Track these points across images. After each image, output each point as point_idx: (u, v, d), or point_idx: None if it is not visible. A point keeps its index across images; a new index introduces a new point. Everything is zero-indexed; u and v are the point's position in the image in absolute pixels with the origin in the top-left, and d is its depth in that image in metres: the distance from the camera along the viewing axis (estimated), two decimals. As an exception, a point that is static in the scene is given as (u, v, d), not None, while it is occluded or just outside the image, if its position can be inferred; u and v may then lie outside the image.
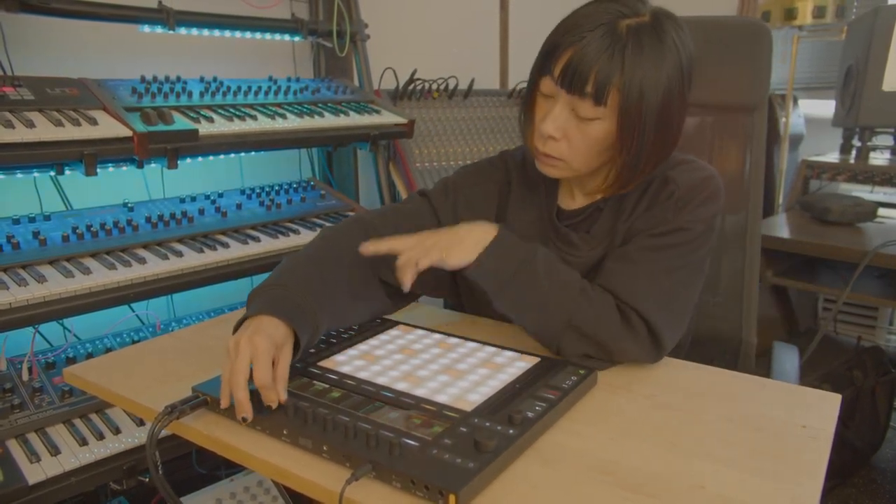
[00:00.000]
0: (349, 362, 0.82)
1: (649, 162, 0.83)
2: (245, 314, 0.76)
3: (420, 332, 0.92)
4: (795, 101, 2.48)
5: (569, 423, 0.70)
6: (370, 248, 0.83)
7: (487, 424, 0.66)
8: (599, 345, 0.80)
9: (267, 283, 0.81)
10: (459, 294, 1.03)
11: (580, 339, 0.80)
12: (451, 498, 0.56)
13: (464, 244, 0.80)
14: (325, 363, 0.82)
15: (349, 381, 0.76)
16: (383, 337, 0.91)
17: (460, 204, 0.97)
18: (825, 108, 2.61)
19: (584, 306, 0.80)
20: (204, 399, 0.73)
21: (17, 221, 1.29)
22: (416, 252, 0.79)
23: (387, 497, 0.58)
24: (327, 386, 0.75)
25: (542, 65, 0.82)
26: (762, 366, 1.13)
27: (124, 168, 1.33)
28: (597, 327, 0.80)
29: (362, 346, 0.87)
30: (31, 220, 1.31)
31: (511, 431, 0.65)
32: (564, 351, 0.81)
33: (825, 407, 0.74)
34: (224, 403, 0.71)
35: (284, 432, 0.67)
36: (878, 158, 2.15)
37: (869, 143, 2.15)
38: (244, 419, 0.69)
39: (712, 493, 0.58)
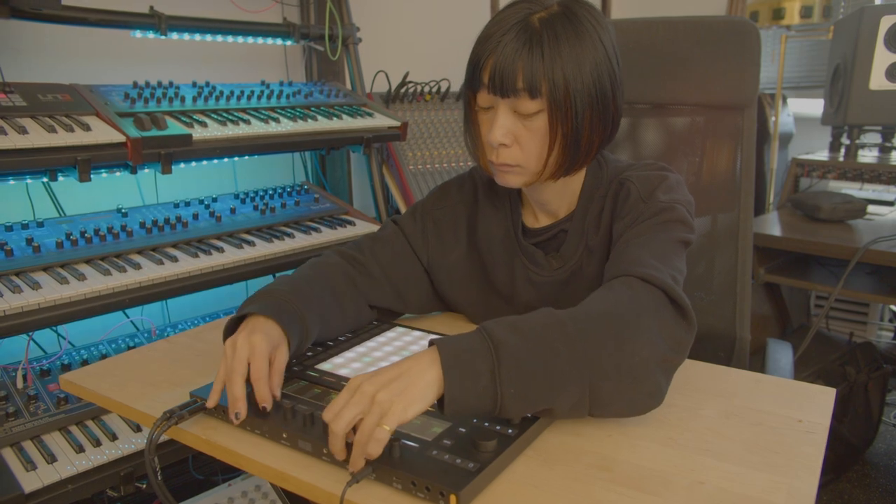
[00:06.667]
0: (347, 365, 0.82)
1: (591, 142, 0.83)
2: (236, 314, 0.78)
3: (417, 333, 0.93)
4: (784, 100, 2.50)
5: (567, 423, 0.70)
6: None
7: (486, 424, 0.66)
8: (622, 337, 0.66)
9: (258, 293, 0.83)
10: (450, 309, 1.04)
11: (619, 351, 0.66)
12: (453, 498, 0.56)
13: (410, 391, 0.60)
14: (322, 366, 0.82)
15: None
16: (380, 339, 0.91)
17: (429, 228, 0.98)
18: (814, 106, 2.64)
19: (586, 320, 0.67)
20: (202, 404, 0.73)
21: (9, 228, 1.28)
22: (344, 419, 0.60)
23: (387, 498, 0.59)
24: (326, 389, 0.75)
25: (471, 81, 0.83)
26: (756, 363, 1.14)
27: (117, 174, 1.33)
28: (612, 319, 0.67)
29: (359, 349, 0.87)
30: (25, 226, 1.30)
31: (510, 431, 0.65)
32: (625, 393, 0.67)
33: (820, 401, 0.74)
34: (211, 402, 0.71)
35: (284, 436, 0.67)
36: (867, 156, 2.17)
37: (857, 141, 2.18)
38: (237, 416, 0.69)
39: (712, 488, 0.59)
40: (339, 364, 0.82)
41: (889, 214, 2.04)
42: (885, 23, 1.97)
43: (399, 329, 0.94)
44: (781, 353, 1.13)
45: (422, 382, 0.61)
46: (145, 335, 1.43)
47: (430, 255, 0.98)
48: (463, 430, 0.65)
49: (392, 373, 0.62)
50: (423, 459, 0.60)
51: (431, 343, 0.65)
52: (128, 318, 1.50)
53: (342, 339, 0.90)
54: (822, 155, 2.24)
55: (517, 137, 0.82)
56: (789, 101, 2.62)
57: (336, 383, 0.76)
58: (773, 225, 1.97)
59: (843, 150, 2.24)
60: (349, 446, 0.61)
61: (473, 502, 0.58)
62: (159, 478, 0.69)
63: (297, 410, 0.68)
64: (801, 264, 1.99)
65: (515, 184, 0.86)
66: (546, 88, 0.78)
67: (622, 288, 0.72)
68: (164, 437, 0.71)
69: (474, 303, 0.99)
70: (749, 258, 1.23)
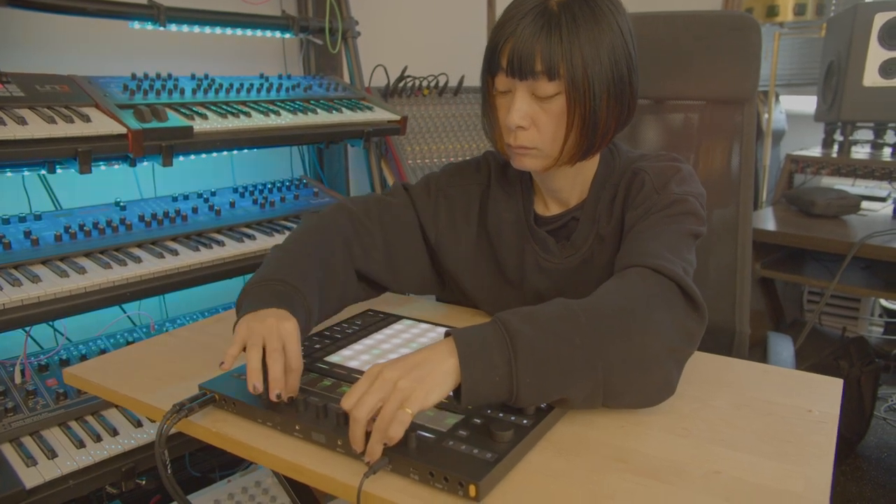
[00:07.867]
0: (356, 357, 0.82)
1: (608, 125, 0.83)
2: (253, 307, 0.75)
3: (424, 325, 0.92)
4: (777, 97, 2.52)
5: (581, 414, 0.71)
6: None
7: (501, 415, 0.66)
8: (631, 334, 0.66)
9: (265, 276, 0.81)
10: (448, 293, 1.04)
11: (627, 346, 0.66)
12: (472, 488, 0.56)
13: (431, 378, 0.61)
14: (332, 358, 0.81)
15: (358, 376, 0.76)
16: (388, 331, 0.91)
17: (441, 204, 0.98)
18: (805, 103, 2.66)
19: (595, 315, 0.67)
20: (212, 396, 0.72)
21: (6, 221, 1.27)
22: (366, 405, 0.60)
23: (404, 489, 0.58)
24: (336, 381, 0.75)
25: (490, 65, 0.83)
26: (754, 357, 1.15)
27: (116, 166, 1.31)
28: (624, 314, 0.67)
29: (367, 341, 0.87)
30: (22, 219, 1.29)
31: (525, 422, 0.65)
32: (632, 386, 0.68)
33: (828, 391, 0.75)
34: (256, 385, 0.69)
35: (297, 428, 0.66)
36: (860, 152, 2.19)
37: (850, 138, 2.19)
38: (278, 396, 0.68)
39: (728, 478, 0.59)
40: (348, 356, 0.82)
41: (882, 210, 2.07)
42: (879, 20, 1.99)
43: (406, 322, 0.94)
44: (783, 347, 1.14)
45: (441, 370, 0.61)
46: (143, 330, 1.42)
47: (440, 233, 0.97)
48: (478, 420, 0.65)
49: (411, 361, 0.62)
50: (439, 450, 0.60)
51: (447, 334, 0.65)
52: (125, 313, 1.49)
53: (349, 332, 0.90)
54: (816, 151, 2.26)
55: (535, 120, 0.82)
56: (781, 97, 2.64)
57: (346, 375, 0.76)
58: (768, 220, 1.99)
59: (836, 147, 2.26)
60: (366, 436, 0.61)
61: (492, 492, 0.58)
62: (169, 471, 0.68)
63: (310, 402, 0.68)
64: (796, 260, 2.01)
65: (532, 167, 0.86)
66: (564, 71, 0.78)
67: (635, 278, 0.72)
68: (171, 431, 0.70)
69: (482, 287, 0.98)
70: (748, 253, 1.23)
